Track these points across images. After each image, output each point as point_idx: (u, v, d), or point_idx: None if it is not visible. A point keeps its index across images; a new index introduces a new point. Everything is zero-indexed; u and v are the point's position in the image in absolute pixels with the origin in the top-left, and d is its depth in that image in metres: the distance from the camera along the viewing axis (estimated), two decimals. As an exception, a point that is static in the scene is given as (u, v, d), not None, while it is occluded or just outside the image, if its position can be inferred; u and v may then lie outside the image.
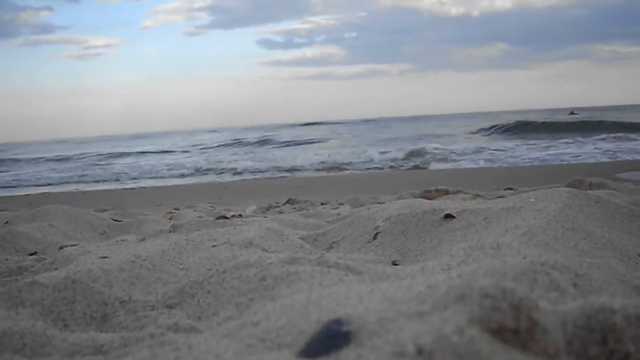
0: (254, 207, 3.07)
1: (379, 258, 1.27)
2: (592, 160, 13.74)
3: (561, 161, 13.47)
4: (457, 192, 3.90)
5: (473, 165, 13.46)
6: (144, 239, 1.72)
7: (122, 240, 1.75)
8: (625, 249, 1.21)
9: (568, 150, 16.06)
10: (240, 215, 2.61)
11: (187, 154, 22.94)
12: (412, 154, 17.54)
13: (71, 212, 2.00)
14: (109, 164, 20.19)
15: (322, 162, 15.12)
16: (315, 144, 27.10)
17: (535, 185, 6.65)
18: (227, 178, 13.54)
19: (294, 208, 4.12)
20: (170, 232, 1.73)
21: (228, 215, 2.70)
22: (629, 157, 13.32)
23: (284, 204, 4.47)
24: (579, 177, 3.84)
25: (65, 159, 23.30)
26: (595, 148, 16.16)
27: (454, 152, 17.22)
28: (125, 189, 10.79)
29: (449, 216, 1.39)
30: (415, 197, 3.87)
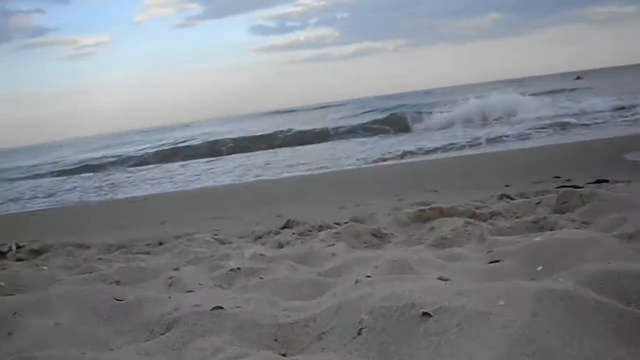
0: (252, 251, 3.14)
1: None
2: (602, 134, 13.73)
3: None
4: (451, 208, 3.97)
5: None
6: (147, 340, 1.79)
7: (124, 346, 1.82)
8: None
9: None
10: (239, 269, 2.68)
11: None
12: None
13: (76, 296, 2.08)
14: (110, 174, 20.24)
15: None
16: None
17: (534, 177, 6.71)
18: (225, 179, 13.60)
19: (293, 234, 4.19)
20: (168, 327, 1.81)
21: (228, 267, 2.78)
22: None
23: (282, 228, 4.54)
24: (570, 189, 3.89)
25: (63, 171, 23.14)
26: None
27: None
28: (129, 200, 10.84)
29: (426, 314, 1.46)
30: (410, 218, 3.94)
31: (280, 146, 21.69)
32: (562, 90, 33.03)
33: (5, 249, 5.61)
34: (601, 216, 3.23)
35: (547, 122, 16.35)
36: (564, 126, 15.15)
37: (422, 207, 4.02)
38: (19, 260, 5.10)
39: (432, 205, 4.02)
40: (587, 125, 15.26)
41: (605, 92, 23.58)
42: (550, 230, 3.13)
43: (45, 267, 3.77)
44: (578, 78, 53.04)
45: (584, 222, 3.18)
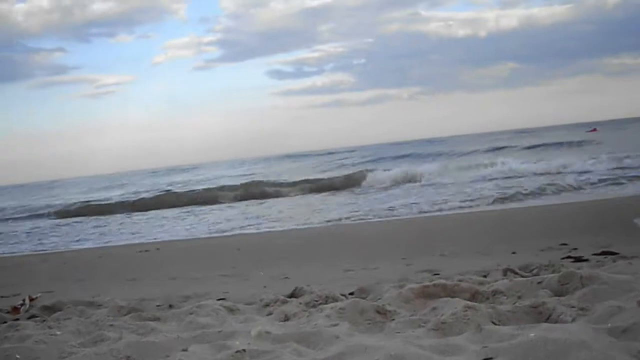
0: (259, 329, 3.24)
1: None
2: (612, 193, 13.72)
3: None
4: (455, 285, 4.06)
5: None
6: None
7: None
8: None
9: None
10: (244, 350, 2.78)
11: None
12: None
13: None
14: (123, 216, 20.49)
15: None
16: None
17: (541, 243, 6.76)
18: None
19: (300, 304, 4.29)
20: None
21: (235, 348, 2.87)
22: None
23: (290, 296, 4.64)
24: (571, 270, 3.98)
25: (78, 211, 23.43)
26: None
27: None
28: (138, 250, 10.95)
29: None
30: (414, 293, 4.04)
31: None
32: (571, 143, 33.09)
33: (18, 303, 5.73)
34: (599, 302, 3.32)
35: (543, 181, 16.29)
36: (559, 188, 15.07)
37: (427, 284, 4.11)
38: (31, 317, 5.21)
39: (436, 282, 4.12)
40: (594, 184, 15.28)
41: (618, 147, 23.65)
42: (549, 317, 3.22)
43: (58, 333, 3.88)
44: (593, 130, 52.98)
45: (581, 309, 3.26)
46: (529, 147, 32.88)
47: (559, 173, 17.64)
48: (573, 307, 3.33)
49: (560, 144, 32.99)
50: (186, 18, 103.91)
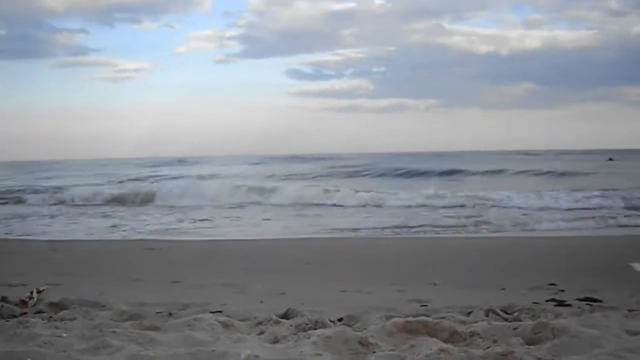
0: (248, 352, 3.53)
1: None
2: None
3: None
4: (436, 323, 4.33)
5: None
6: None
7: None
8: None
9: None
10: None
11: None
12: None
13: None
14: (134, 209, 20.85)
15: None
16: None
17: (531, 280, 6.98)
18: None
19: (290, 326, 4.57)
20: None
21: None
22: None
23: (282, 316, 4.93)
24: (544, 321, 4.24)
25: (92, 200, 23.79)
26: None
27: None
28: (145, 247, 11.25)
29: None
30: (396, 327, 4.31)
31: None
32: (588, 174, 32.95)
33: (26, 296, 6.05)
34: (565, 357, 3.58)
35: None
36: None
37: (410, 319, 4.38)
38: (39, 312, 5.53)
39: (419, 318, 4.38)
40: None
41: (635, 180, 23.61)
42: (515, 367, 3.49)
43: (64, 335, 4.18)
44: (610, 159, 52.02)
45: (547, 362, 3.53)
46: (537, 173, 32.97)
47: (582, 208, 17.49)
48: (539, 358, 3.59)
49: (575, 173, 32.89)
50: (211, 10, 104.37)
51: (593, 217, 15.30)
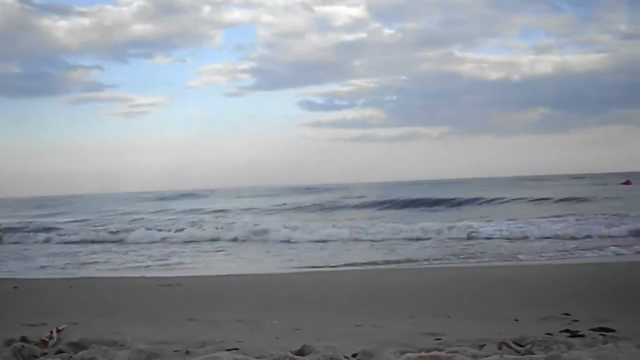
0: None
1: None
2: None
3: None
4: (448, 358, 4.39)
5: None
6: None
7: None
8: None
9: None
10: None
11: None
12: None
13: None
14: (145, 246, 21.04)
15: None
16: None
17: (544, 310, 7.00)
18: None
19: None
20: None
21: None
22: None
23: (298, 353, 5.00)
24: (556, 353, 4.29)
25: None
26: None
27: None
28: (159, 284, 11.36)
29: None
30: (410, 363, 4.38)
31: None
32: (604, 199, 32.67)
33: (46, 336, 6.15)
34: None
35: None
36: None
37: (423, 354, 4.45)
38: (59, 352, 5.63)
39: (432, 354, 4.46)
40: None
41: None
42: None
43: (84, 377, 4.28)
44: (627, 183, 50.52)
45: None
46: (554, 200, 32.83)
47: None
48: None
49: (587, 199, 32.71)
50: (222, 44, 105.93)
51: (605, 245, 15.25)
